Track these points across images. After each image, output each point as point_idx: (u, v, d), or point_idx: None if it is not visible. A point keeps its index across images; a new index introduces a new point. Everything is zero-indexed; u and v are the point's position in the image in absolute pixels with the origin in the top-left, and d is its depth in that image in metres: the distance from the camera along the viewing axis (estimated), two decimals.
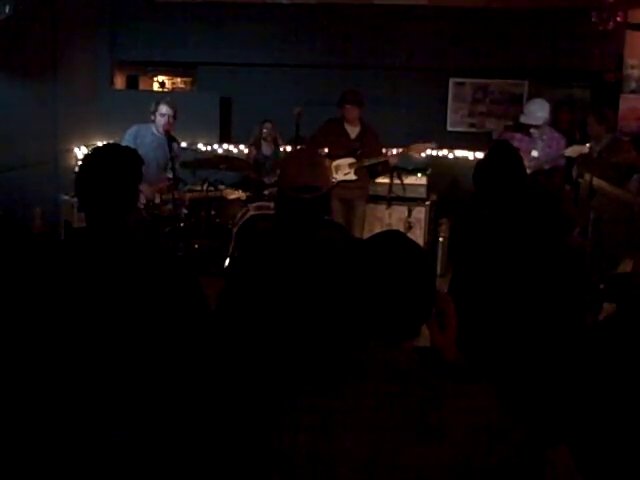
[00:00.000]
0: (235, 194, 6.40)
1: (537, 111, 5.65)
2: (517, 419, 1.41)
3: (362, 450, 1.36)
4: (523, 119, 5.72)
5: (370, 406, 1.38)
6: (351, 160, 5.90)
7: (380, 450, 1.36)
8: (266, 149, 7.01)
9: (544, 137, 5.70)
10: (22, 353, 1.97)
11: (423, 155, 7.46)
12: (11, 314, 1.99)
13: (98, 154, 2.13)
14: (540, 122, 5.65)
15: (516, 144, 5.43)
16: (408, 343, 1.47)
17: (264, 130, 6.95)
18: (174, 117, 5.71)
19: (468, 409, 1.38)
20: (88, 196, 2.03)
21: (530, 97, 7.14)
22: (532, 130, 5.66)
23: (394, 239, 1.50)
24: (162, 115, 5.66)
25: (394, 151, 6.08)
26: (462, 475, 1.33)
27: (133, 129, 5.76)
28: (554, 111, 7.54)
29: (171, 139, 5.54)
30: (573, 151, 5.59)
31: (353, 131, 5.97)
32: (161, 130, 5.65)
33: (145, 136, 5.69)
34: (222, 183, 6.59)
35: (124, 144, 5.82)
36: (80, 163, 2.12)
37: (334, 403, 1.41)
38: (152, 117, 5.72)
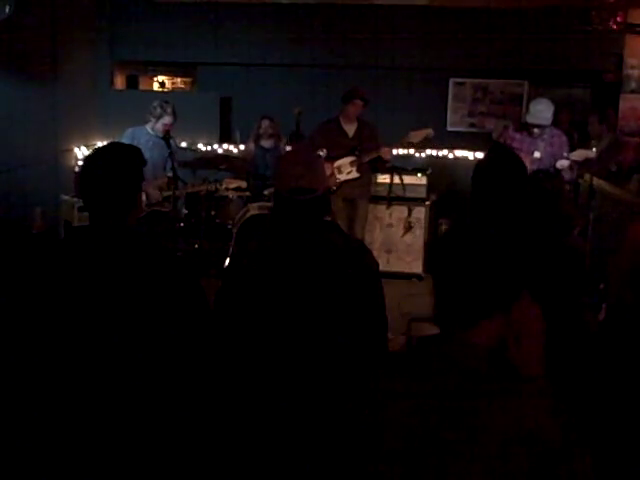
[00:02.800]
0: (235, 183, 6.38)
1: (545, 111, 5.53)
2: (581, 443, 1.32)
3: (409, 434, 1.35)
4: (530, 119, 5.57)
5: (417, 394, 1.37)
6: (351, 158, 5.91)
7: (426, 441, 1.34)
8: (265, 143, 7.03)
9: (545, 137, 5.60)
10: (23, 353, 1.97)
11: (424, 155, 7.48)
12: (13, 314, 1.99)
13: (101, 153, 2.12)
14: (547, 122, 5.54)
15: (516, 145, 5.41)
16: (482, 333, 1.43)
17: (261, 127, 6.97)
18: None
19: (512, 419, 1.33)
20: (91, 195, 2.04)
21: (530, 97, 7.14)
22: (535, 130, 5.54)
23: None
24: (164, 125, 5.70)
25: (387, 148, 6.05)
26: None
27: (128, 132, 5.75)
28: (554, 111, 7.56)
29: (168, 136, 5.57)
30: (580, 155, 5.49)
31: (350, 129, 5.97)
32: (160, 131, 5.68)
33: (140, 137, 5.71)
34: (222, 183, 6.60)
35: None
36: (82, 162, 2.12)
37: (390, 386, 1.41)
38: (151, 118, 5.72)
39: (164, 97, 6.10)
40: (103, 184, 2.01)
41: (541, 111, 5.55)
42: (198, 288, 2.07)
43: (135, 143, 5.63)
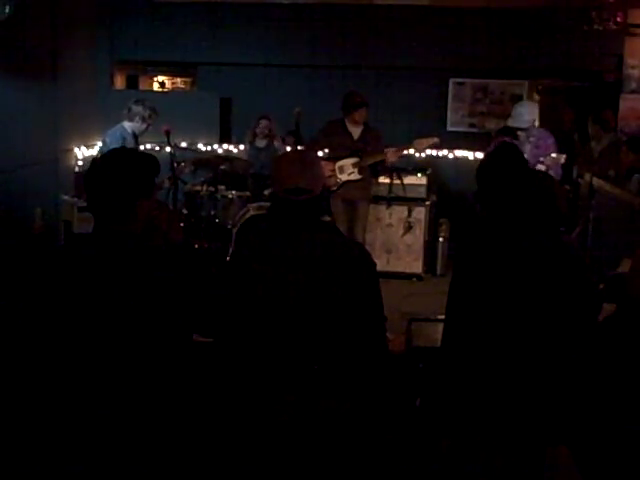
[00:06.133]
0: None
1: (524, 114, 5.64)
2: None
3: None
4: (510, 122, 5.71)
5: None
6: (354, 160, 5.90)
7: None
8: (260, 142, 7.05)
9: (531, 139, 5.68)
10: (27, 353, 1.97)
11: (424, 155, 7.47)
12: (15, 318, 1.98)
13: (118, 157, 2.07)
14: (527, 125, 5.64)
15: None
16: None
17: (259, 126, 7.00)
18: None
19: None
20: (100, 200, 1.99)
21: (530, 97, 7.14)
22: (519, 133, 5.64)
23: None
24: (148, 125, 5.78)
25: (393, 150, 6.06)
26: None
27: (118, 131, 5.74)
28: (554, 111, 7.56)
29: (168, 136, 5.62)
30: (552, 160, 5.62)
31: (356, 131, 5.97)
32: (140, 131, 5.79)
33: (127, 137, 5.73)
34: (222, 183, 6.59)
35: (111, 146, 5.92)
36: (96, 164, 2.03)
37: None
38: (138, 120, 5.73)
39: (137, 96, 6.12)
40: (117, 189, 1.97)
41: (521, 114, 5.66)
42: (205, 292, 2.04)
43: (125, 143, 5.67)
